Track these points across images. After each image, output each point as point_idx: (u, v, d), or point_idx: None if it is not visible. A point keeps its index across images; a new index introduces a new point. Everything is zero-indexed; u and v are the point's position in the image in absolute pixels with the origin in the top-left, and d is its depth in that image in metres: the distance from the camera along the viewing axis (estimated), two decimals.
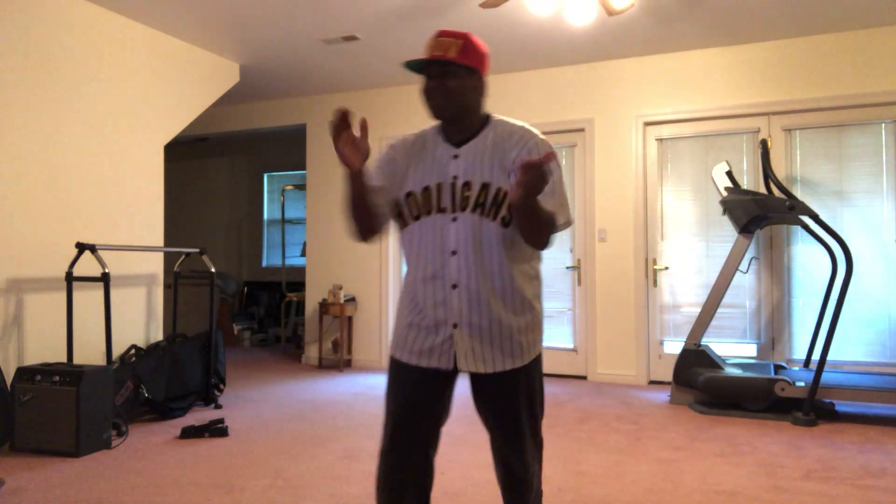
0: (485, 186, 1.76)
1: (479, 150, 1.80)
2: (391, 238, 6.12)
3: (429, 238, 1.84)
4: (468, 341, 1.79)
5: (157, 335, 4.72)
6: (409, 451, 1.80)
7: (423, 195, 1.82)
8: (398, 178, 1.85)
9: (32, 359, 3.83)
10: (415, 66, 1.76)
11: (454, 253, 1.80)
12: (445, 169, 1.80)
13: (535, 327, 1.85)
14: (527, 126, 1.84)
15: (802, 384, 4.01)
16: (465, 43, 1.74)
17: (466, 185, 1.77)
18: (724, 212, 4.46)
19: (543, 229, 1.69)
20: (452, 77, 1.74)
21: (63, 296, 3.99)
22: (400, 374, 1.85)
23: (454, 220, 1.79)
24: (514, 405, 1.85)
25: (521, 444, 1.87)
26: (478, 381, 1.88)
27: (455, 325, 1.79)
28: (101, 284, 4.19)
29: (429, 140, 1.87)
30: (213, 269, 4.63)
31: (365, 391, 4.97)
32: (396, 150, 1.88)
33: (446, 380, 1.86)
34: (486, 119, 1.86)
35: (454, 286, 1.80)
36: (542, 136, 1.82)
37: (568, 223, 1.81)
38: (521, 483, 1.91)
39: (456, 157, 1.81)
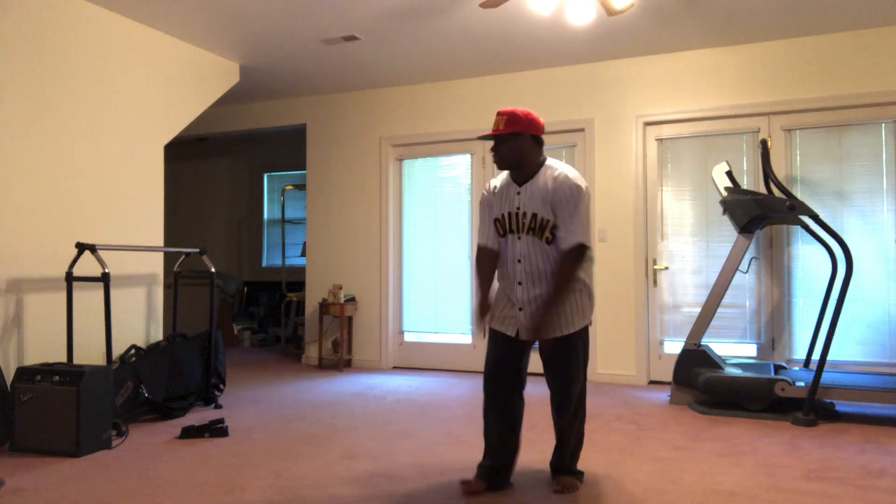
0: (534, 216, 2.66)
1: (533, 189, 2.67)
2: (390, 239, 6.12)
3: (507, 250, 2.77)
4: (527, 320, 2.71)
5: (157, 335, 4.72)
6: (497, 388, 2.77)
7: (502, 220, 2.75)
8: (491, 210, 2.81)
9: (32, 359, 3.83)
10: (486, 138, 2.70)
11: (519, 261, 2.74)
12: (513, 203, 2.72)
13: (575, 310, 2.69)
14: (566, 172, 2.65)
15: (802, 384, 4.01)
16: (508, 117, 2.65)
17: (524, 214, 2.68)
18: (724, 212, 4.46)
19: (568, 288, 2.63)
20: (503, 143, 2.67)
21: (63, 296, 3.99)
22: (493, 335, 2.82)
23: (519, 238, 2.72)
24: (561, 359, 2.73)
25: (560, 395, 2.77)
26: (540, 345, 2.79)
27: (521, 309, 2.74)
28: (101, 284, 4.19)
29: (507, 183, 2.79)
30: (213, 269, 4.63)
31: (365, 391, 4.97)
32: (489, 193, 2.83)
33: (518, 344, 2.77)
34: (542, 163, 2.71)
35: (519, 283, 2.74)
36: (574, 180, 2.62)
37: (586, 246, 2.60)
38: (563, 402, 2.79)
39: (519, 193, 2.71)
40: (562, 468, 2.84)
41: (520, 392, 2.79)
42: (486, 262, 2.82)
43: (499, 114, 2.68)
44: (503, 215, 2.73)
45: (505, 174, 2.81)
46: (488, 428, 2.79)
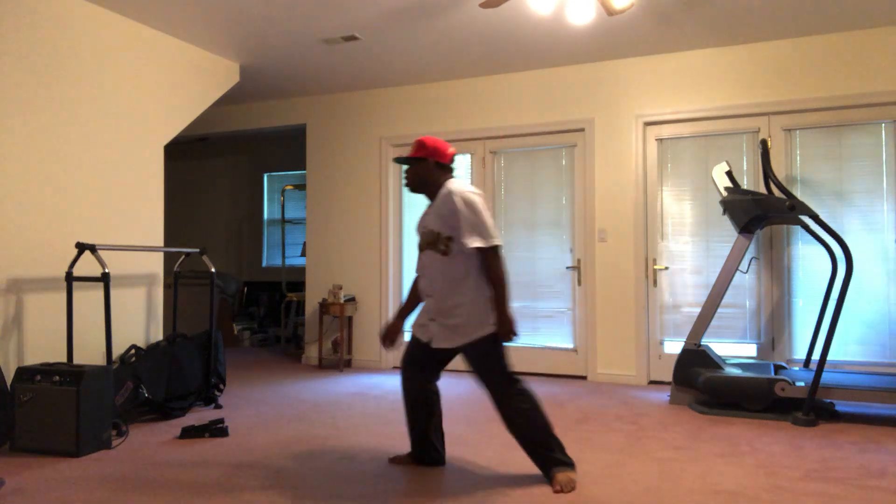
0: (430, 231, 2.95)
1: (433, 208, 2.96)
2: (390, 239, 6.12)
3: (419, 264, 3.05)
4: (437, 329, 2.95)
5: (157, 335, 4.72)
6: (409, 379, 3.10)
7: (418, 237, 3.06)
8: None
9: (32, 359, 3.83)
10: (398, 160, 3.03)
11: (423, 275, 3.00)
12: (423, 221, 3.03)
13: (473, 321, 2.85)
14: (452, 187, 2.89)
15: (802, 384, 4.01)
16: (416, 144, 2.99)
17: (428, 231, 2.97)
18: (724, 212, 4.46)
19: (505, 282, 2.83)
20: (409, 167, 3.01)
21: (63, 296, 3.99)
22: (412, 336, 3.11)
23: (424, 253, 2.99)
24: (475, 368, 2.92)
25: (487, 391, 2.93)
26: (458, 352, 2.98)
27: (432, 319, 2.98)
28: (101, 284, 4.19)
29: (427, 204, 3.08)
30: (213, 269, 4.63)
31: (365, 391, 4.97)
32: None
33: (432, 350, 3.01)
34: (442, 185, 2.98)
35: (429, 296, 2.99)
36: (457, 192, 2.86)
37: (494, 246, 2.82)
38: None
39: (427, 213, 3.01)
40: (547, 465, 2.87)
41: (431, 384, 3.09)
42: (416, 284, 3.12)
43: (415, 141, 3.01)
44: (419, 235, 3.05)
45: None
46: (406, 412, 3.14)
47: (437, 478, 2.97)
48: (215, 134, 7.12)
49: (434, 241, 2.91)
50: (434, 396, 3.09)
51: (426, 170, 2.97)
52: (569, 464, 2.88)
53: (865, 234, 4.70)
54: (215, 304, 4.63)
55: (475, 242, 2.79)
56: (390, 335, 3.07)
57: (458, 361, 5.89)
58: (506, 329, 2.81)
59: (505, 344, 2.88)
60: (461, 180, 2.98)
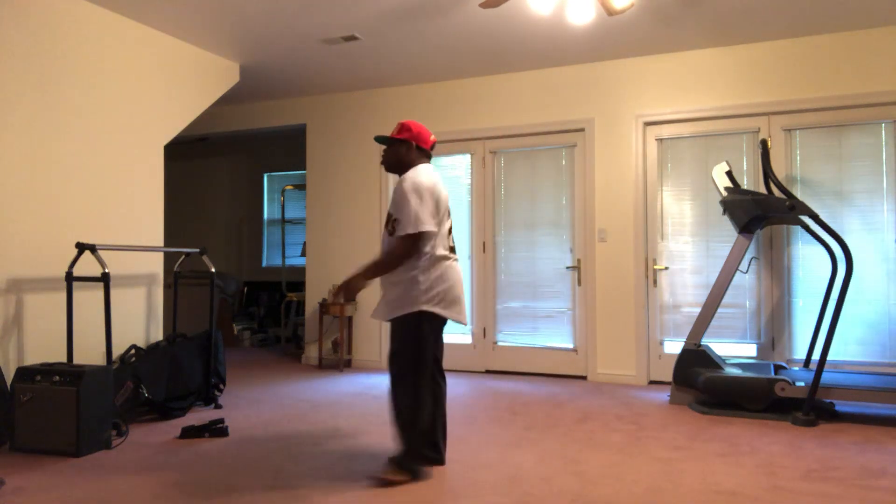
0: (388, 214, 3.02)
1: (394, 191, 3.00)
2: None
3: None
4: (379, 304, 3.07)
5: (157, 335, 4.72)
6: None
7: None
8: None
9: (32, 359, 3.83)
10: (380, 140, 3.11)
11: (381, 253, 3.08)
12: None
13: (401, 301, 2.93)
14: (408, 173, 2.99)
15: (802, 384, 4.01)
16: (401, 126, 3.08)
17: (388, 213, 3.03)
18: (724, 212, 4.46)
19: (385, 268, 2.92)
20: (389, 147, 3.11)
21: (63, 296, 3.99)
22: None
23: (383, 234, 3.07)
24: (390, 346, 3.02)
25: (389, 360, 3.02)
26: None
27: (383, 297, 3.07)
28: (101, 284, 4.19)
29: None
30: (213, 269, 4.63)
31: (365, 391, 4.97)
32: None
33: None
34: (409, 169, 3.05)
35: None
36: (406, 178, 2.96)
37: (408, 234, 2.85)
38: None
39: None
40: (399, 460, 2.93)
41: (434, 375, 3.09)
42: None
43: (400, 123, 3.10)
44: None
45: None
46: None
47: (438, 478, 2.97)
48: (215, 134, 7.12)
49: (388, 222, 3.01)
50: (437, 388, 3.08)
51: (405, 152, 3.06)
52: (412, 474, 2.92)
53: (865, 234, 4.70)
54: (215, 304, 4.63)
55: (404, 228, 2.86)
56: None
57: (458, 362, 5.89)
58: (343, 286, 2.90)
59: (419, 333, 2.90)
60: (429, 167, 3.05)
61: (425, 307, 2.90)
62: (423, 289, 2.91)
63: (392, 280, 2.96)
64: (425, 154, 3.10)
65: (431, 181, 2.96)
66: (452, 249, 3.06)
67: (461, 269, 3.11)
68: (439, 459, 3.13)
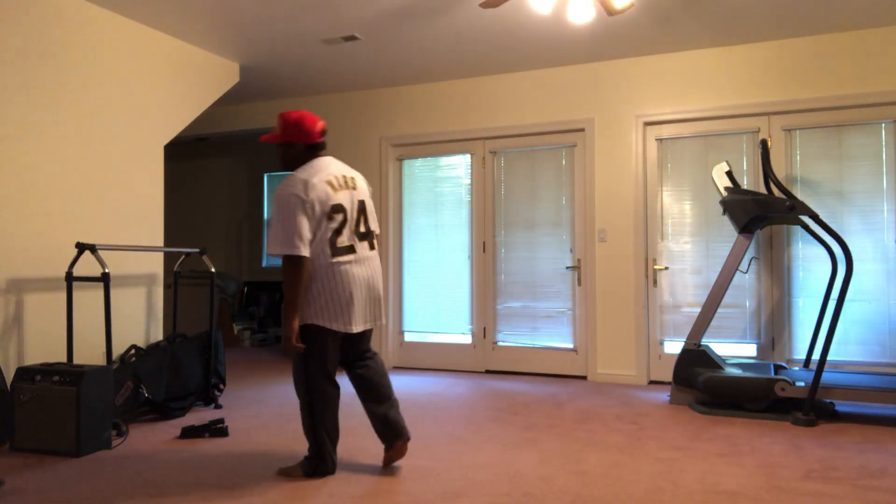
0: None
1: None
2: (390, 239, 6.12)
3: None
4: None
5: (157, 335, 4.72)
6: None
7: None
8: None
9: (32, 359, 3.83)
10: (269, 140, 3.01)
11: None
12: None
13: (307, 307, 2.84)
14: (283, 182, 2.83)
15: (802, 384, 4.01)
16: (278, 122, 2.97)
17: None
18: (724, 212, 4.46)
19: (291, 295, 2.76)
20: (279, 149, 3.03)
21: (63, 296, 3.99)
22: None
23: None
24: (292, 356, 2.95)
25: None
26: None
27: None
28: (101, 284, 4.19)
29: None
30: (213, 269, 4.63)
31: None
32: None
33: None
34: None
35: None
36: (277, 189, 2.82)
37: (286, 255, 2.73)
38: None
39: None
40: (308, 458, 2.99)
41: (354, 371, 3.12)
42: None
43: (278, 116, 2.95)
44: None
45: None
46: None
47: (438, 478, 2.97)
48: (215, 134, 7.12)
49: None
50: (368, 369, 3.09)
51: (295, 153, 2.95)
52: (306, 467, 2.97)
53: (865, 234, 4.70)
54: (215, 304, 4.63)
55: (272, 247, 2.77)
56: None
57: (458, 362, 5.89)
58: (284, 341, 2.82)
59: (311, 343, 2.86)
60: (316, 163, 2.89)
61: (310, 320, 2.85)
62: (309, 300, 2.85)
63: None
64: (317, 147, 2.94)
65: (306, 182, 2.77)
66: (349, 248, 2.86)
67: (373, 264, 2.97)
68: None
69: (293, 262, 2.74)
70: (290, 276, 2.75)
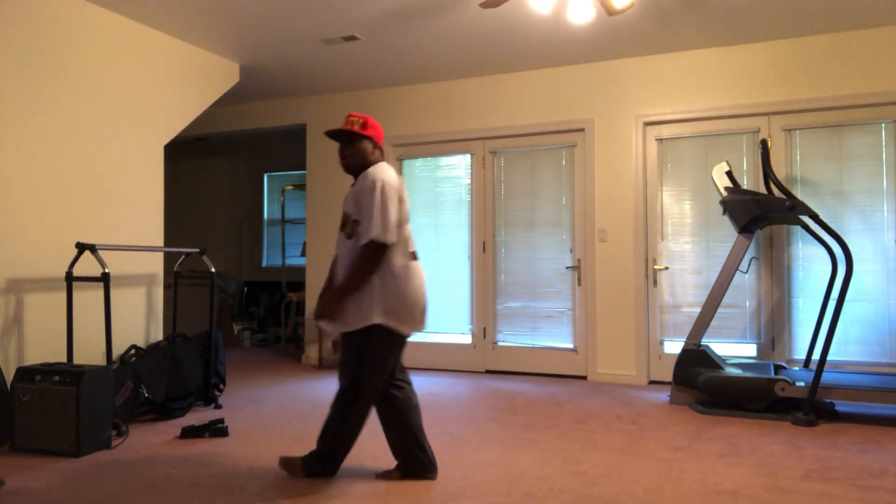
0: (344, 213, 2.84)
1: (354, 189, 2.81)
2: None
3: (336, 246, 2.96)
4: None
5: (157, 335, 4.72)
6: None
7: None
8: None
9: (32, 359, 3.83)
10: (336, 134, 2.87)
11: (337, 257, 2.89)
12: (344, 201, 2.88)
13: (360, 310, 2.71)
14: (373, 170, 2.76)
15: (802, 384, 4.01)
16: (365, 121, 2.85)
17: (343, 213, 2.85)
18: (724, 212, 4.46)
19: (359, 282, 2.67)
20: (356, 143, 2.84)
21: (63, 296, 3.99)
22: None
23: (339, 235, 2.88)
24: (342, 358, 2.84)
25: (340, 381, 2.85)
26: None
27: None
28: (101, 284, 4.19)
29: None
30: (213, 269, 4.63)
31: None
32: None
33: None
34: (368, 167, 2.86)
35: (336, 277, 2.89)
36: (373, 175, 2.73)
37: (373, 240, 2.65)
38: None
39: (348, 193, 2.86)
40: (313, 455, 2.91)
41: (394, 379, 2.95)
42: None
43: (352, 116, 2.84)
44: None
45: None
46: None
47: (438, 478, 2.97)
48: (215, 134, 7.12)
49: (345, 223, 2.81)
50: (401, 391, 2.89)
51: (368, 150, 2.85)
52: (307, 466, 2.90)
53: (865, 234, 4.70)
54: (215, 304, 4.63)
55: (371, 232, 2.65)
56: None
57: (458, 362, 5.89)
58: (321, 310, 2.65)
59: (385, 348, 2.74)
60: (387, 165, 2.86)
61: (381, 321, 2.71)
62: (381, 300, 2.71)
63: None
64: (381, 151, 2.93)
65: (398, 181, 2.80)
66: (414, 252, 2.87)
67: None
68: (430, 465, 2.95)
69: (379, 251, 2.66)
70: (369, 264, 2.65)
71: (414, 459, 2.91)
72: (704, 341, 4.96)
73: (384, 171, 2.75)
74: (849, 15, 4.43)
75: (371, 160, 2.84)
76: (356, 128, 2.81)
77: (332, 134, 2.83)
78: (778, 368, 4.51)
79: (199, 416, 4.16)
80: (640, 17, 4.46)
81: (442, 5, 4.27)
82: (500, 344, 5.75)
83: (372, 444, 3.52)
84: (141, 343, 4.56)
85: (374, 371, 2.76)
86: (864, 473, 3.01)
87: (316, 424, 3.95)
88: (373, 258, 2.65)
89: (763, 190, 4.83)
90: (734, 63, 5.01)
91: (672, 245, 5.23)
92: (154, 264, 4.70)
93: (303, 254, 7.04)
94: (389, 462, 3.20)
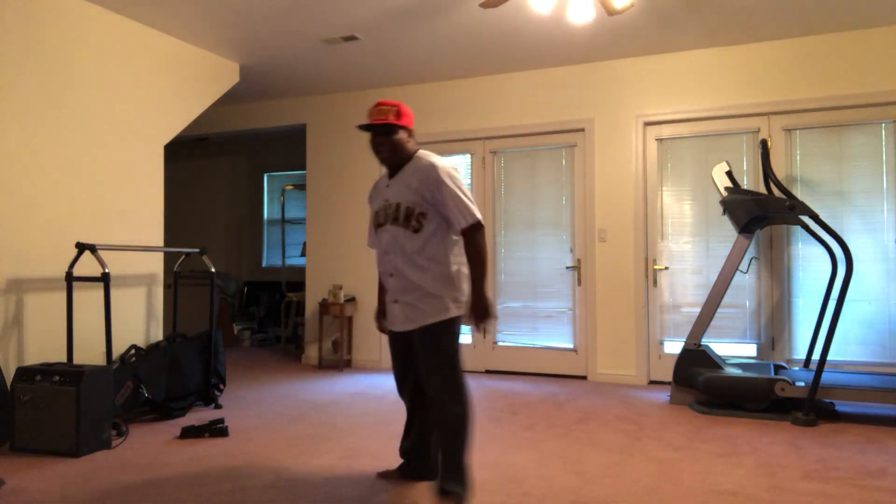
0: (398, 206, 2.66)
1: (400, 180, 2.69)
2: None
3: (379, 244, 2.77)
4: (401, 311, 2.67)
5: (157, 335, 4.72)
6: (400, 380, 2.90)
7: (377, 216, 2.77)
8: (372, 208, 2.86)
9: (32, 359, 3.83)
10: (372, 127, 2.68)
11: (387, 253, 2.71)
12: (383, 196, 2.76)
13: (444, 301, 2.59)
14: (430, 159, 2.66)
15: (802, 384, 4.01)
16: (399, 109, 2.73)
17: (391, 206, 2.69)
18: (724, 212, 4.46)
19: (485, 262, 2.58)
20: (393, 134, 2.68)
21: (63, 296, 3.99)
22: (389, 337, 2.89)
23: (386, 230, 2.70)
24: (427, 353, 2.62)
25: (428, 377, 2.62)
26: (411, 337, 2.75)
27: (395, 301, 2.70)
28: (101, 284, 4.19)
29: (381, 177, 2.83)
30: (213, 269, 4.63)
31: (365, 391, 4.97)
32: (371, 191, 2.89)
33: (402, 336, 2.81)
34: (411, 155, 2.73)
35: (391, 275, 2.70)
36: (438, 163, 2.62)
37: (472, 225, 2.57)
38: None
39: (388, 186, 2.74)
40: (447, 484, 2.52)
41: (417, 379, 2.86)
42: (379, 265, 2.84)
43: (382, 104, 2.70)
44: (377, 211, 2.78)
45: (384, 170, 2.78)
46: (406, 407, 2.95)
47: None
48: (215, 134, 7.12)
49: (403, 216, 2.63)
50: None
51: (405, 139, 2.70)
52: (459, 497, 2.50)
53: (865, 234, 4.70)
54: (215, 304, 4.63)
55: (465, 220, 2.56)
56: (379, 317, 2.98)
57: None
58: (482, 309, 2.52)
59: (470, 328, 2.73)
60: (428, 152, 2.76)
61: (456, 310, 2.61)
62: (457, 288, 2.62)
63: (420, 280, 2.61)
64: (414, 140, 2.81)
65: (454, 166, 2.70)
66: None
67: None
68: (435, 470, 2.91)
69: (483, 231, 2.59)
70: (483, 247, 2.57)
71: (422, 463, 2.90)
72: (704, 341, 4.96)
73: (437, 158, 2.67)
74: (849, 15, 4.42)
75: (409, 150, 2.71)
76: (391, 118, 2.68)
77: (367, 127, 2.68)
78: (778, 368, 4.51)
79: (199, 416, 4.16)
80: (640, 17, 4.46)
81: (442, 5, 4.27)
82: (501, 344, 5.75)
83: (372, 445, 3.52)
84: (141, 343, 4.56)
85: (458, 362, 2.62)
86: (864, 473, 3.01)
87: (316, 424, 3.95)
88: (483, 240, 2.57)
89: (763, 190, 4.83)
90: (734, 63, 5.01)
91: (672, 245, 5.23)
92: (154, 264, 4.70)
93: (303, 254, 7.04)
94: (389, 462, 3.20)
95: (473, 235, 2.57)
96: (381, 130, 2.67)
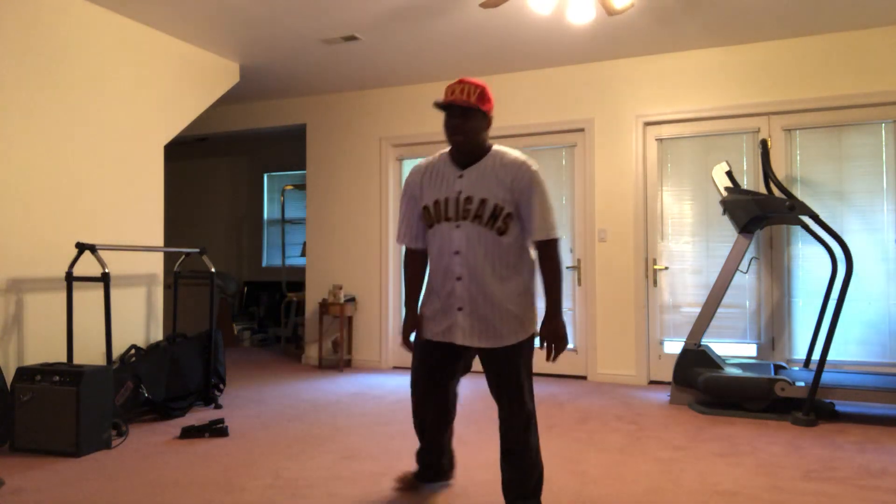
0: (483, 202, 2.33)
1: (481, 173, 2.36)
2: (391, 238, 6.12)
3: (439, 241, 2.41)
4: (469, 322, 2.37)
5: (157, 335, 4.72)
6: (427, 393, 2.56)
7: (435, 207, 2.41)
8: (418, 199, 2.49)
9: (32, 359, 3.83)
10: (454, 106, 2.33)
11: (457, 253, 2.37)
12: (452, 187, 2.39)
13: (522, 320, 2.37)
14: (522, 158, 2.38)
15: (802, 384, 4.01)
16: (482, 91, 2.33)
17: (469, 199, 2.35)
18: (724, 212, 4.46)
19: (562, 280, 2.37)
20: (471, 118, 2.33)
21: (63, 296, 3.99)
22: (422, 343, 2.51)
23: (458, 226, 2.36)
24: (505, 374, 2.38)
25: (509, 411, 2.37)
26: (481, 354, 2.43)
27: (460, 309, 2.37)
28: (101, 284, 4.19)
29: (440, 165, 2.46)
30: (213, 269, 4.63)
31: (365, 391, 4.97)
32: (413, 177, 2.51)
33: (457, 350, 2.48)
34: (490, 147, 2.42)
35: (458, 278, 2.37)
36: (533, 167, 2.36)
37: (554, 240, 2.35)
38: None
39: (461, 177, 2.39)
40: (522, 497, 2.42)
41: (453, 389, 2.62)
42: (416, 267, 2.56)
43: (466, 82, 2.33)
44: (437, 201, 2.41)
45: (433, 157, 2.51)
46: (420, 424, 2.66)
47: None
48: (215, 134, 7.12)
49: (489, 214, 2.33)
50: (454, 400, 2.65)
51: (483, 127, 2.38)
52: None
53: (865, 234, 4.70)
54: (215, 304, 4.63)
55: (548, 233, 2.33)
56: (413, 328, 2.54)
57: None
58: (560, 336, 2.33)
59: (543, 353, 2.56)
60: (505, 147, 2.48)
61: (532, 329, 2.42)
62: (535, 307, 2.43)
63: (509, 292, 2.36)
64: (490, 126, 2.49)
65: None
66: None
67: None
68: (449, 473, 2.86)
69: (559, 247, 2.39)
70: (561, 263, 2.37)
71: (438, 466, 2.79)
72: (704, 341, 4.96)
73: (534, 165, 2.39)
74: (849, 15, 4.43)
75: (484, 139, 2.40)
76: (474, 99, 2.30)
77: (445, 105, 2.34)
78: (778, 368, 4.51)
79: (199, 416, 4.16)
80: (640, 17, 4.46)
81: (442, 5, 4.27)
82: None
83: (372, 445, 3.52)
84: (141, 343, 4.56)
85: (531, 385, 2.44)
86: (864, 473, 3.01)
87: (316, 424, 3.95)
88: (561, 257, 2.37)
89: (763, 190, 4.83)
90: (734, 63, 5.01)
91: (672, 245, 5.23)
92: (154, 264, 4.70)
93: (303, 254, 7.04)
94: (389, 462, 3.20)
95: (553, 250, 2.36)
96: (461, 112, 2.32)
